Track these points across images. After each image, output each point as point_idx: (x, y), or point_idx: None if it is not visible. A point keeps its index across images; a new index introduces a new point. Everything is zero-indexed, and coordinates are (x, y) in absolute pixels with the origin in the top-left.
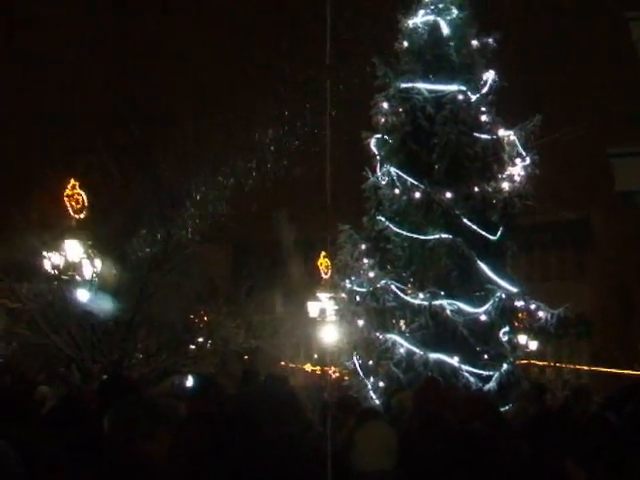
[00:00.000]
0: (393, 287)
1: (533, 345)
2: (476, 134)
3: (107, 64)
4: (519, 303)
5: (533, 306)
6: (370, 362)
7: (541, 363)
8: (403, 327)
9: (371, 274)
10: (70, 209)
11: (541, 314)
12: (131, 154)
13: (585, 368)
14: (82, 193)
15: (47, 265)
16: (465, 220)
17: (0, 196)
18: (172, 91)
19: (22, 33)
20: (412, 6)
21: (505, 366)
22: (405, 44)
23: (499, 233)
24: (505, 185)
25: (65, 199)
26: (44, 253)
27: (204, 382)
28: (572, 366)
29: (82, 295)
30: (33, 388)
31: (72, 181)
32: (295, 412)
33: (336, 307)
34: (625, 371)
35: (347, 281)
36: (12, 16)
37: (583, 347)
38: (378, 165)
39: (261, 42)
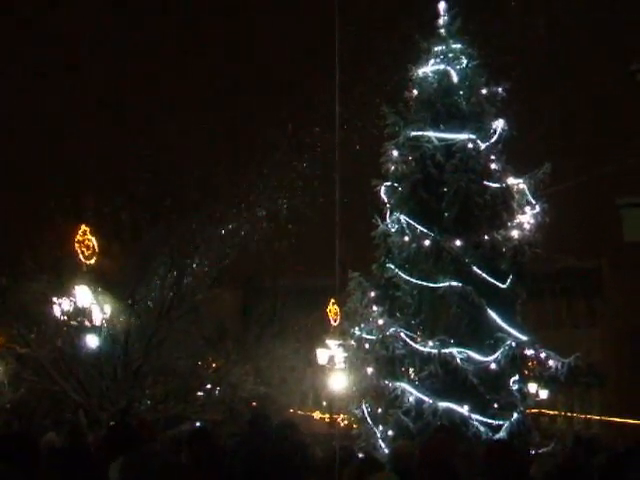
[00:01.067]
0: (402, 335)
1: (544, 394)
2: (486, 182)
3: (119, 115)
4: (529, 351)
5: (543, 355)
6: (379, 410)
7: (552, 412)
8: (412, 375)
9: (380, 321)
10: (80, 255)
11: (551, 363)
12: (142, 201)
13: (596, 418)
14: (92, 239)
15: (57, 311)
16: (475, 268)
17: (11, 242)
18: (184, 141)
19: (38, 81)
20: (422, 55)
21: (515, 415)
22: (415, 93)
23: (509, 281)
24: (515, 233)
25: (76, 245)
26: (54, 299)
27: (200, 432)
28: (583, 416)
29: (91, 341)
30: (40, 434)
31: (83, 227)
32: (303, 459)
33: (345, 354)
34: (637, 421)
35: (356, 328)
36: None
37: (594, 396)
38: (388, 213)
39: (272, 88)
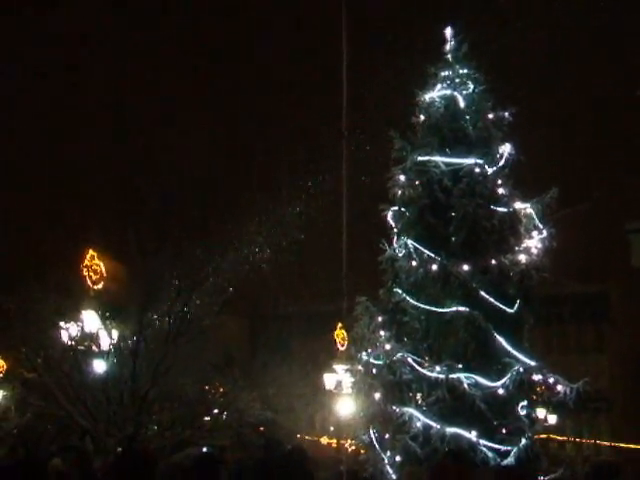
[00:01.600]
0: (410, 360)
1: (552, 419)
2: (493, 207)
3: (127, 138)
4: (537, 377)
5: (551, 380)
6: (386, 436)
7: (560, 438)
8: (420, 400)
9: (388, 346)
10: (88, 279)
11: (560, 388)
12: (150, 226)
13: (605, 443)
14: (100, 263)
15: (64, 335)
16: (482, 293)
17: (19, 267)
18: (190, 166)
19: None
20: (429, 80)
21: (523, 441)
22: (422, 117)
23: (516, 306)
24: (522, 258)
25: (83, 269)
26: (61, 323)
27: (207, 457)
28: (592, 441)
29: (98, 366)
30: (47, 460)
31: (90, 251)
32: None
33: (352, 379)
34: None
35: (363, 353)
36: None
37: (603, 422)
38: (395, 237)
39: (279, 112)
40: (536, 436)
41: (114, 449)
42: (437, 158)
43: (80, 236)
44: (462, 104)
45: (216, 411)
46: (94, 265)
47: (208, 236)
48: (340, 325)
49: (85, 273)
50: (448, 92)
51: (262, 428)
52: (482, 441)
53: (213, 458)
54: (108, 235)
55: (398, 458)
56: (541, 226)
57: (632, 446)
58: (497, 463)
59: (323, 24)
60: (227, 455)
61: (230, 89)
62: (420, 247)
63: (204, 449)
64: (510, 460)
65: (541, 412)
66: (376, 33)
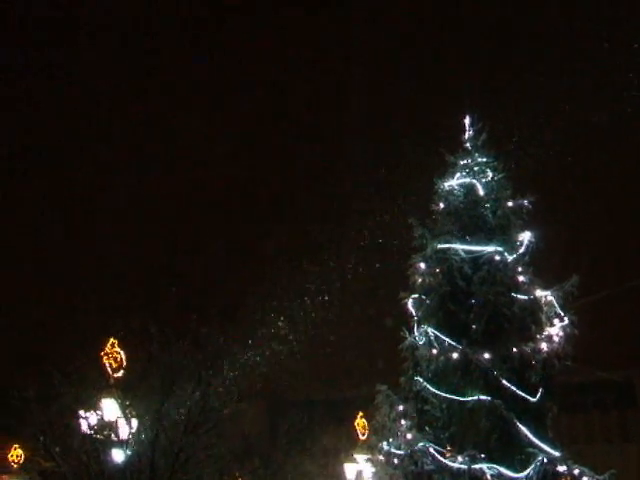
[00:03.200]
0: (431, 450)
1: None
2: (513, 294)
3: (147, 228)
4: (562, 468)
5: (577, 471)
6: None
7: None
8: None
9: (409, 436)
10: (108, 367)
11: None
12: (170, 315)
13: None
14: (120, 351)
15: (83, 425)
16: (504, 381)
17: (39, 354)
18: (211, 255)
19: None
20: (448, 169)
21: None
22: (441, 205)
23: (539, 394)
24: (544, 345)
25: (103, 357)
26: (80, 412)
27: None
28: None
29: (117, 456)
30: None
31: (111, 340)
32: None
33: (373, 469)
34: None
35: (384, 443)
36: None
37: None
38: (415, 325)
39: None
40: None
41: None
42: (457, 246)
43: (100, 324)
44: (481, 192)
45: None
46: (114, 353)
47: (228, 325)
48: (361, 414)
49: (105, 361)
50: (467, 180)
51: None
52: None
53: None
54: (128, 323)
55: None
56: (562, 313)
57: None
58: None
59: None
60: None
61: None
62: (441, 335)
63: None
64: None
65: None
66: (395, 121)
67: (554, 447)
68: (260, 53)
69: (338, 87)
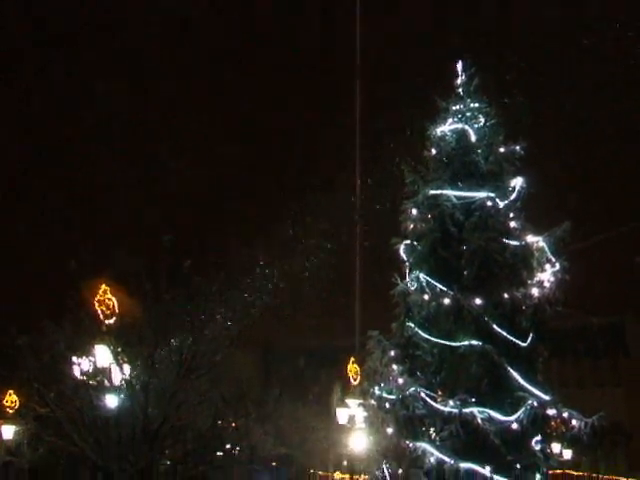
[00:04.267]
0: (423, 394)
1: (567, 454)
2: (505, 240)
3: (140, 175)
4: (552, 411)
5: (566, 414)
6: (400, 471)
7: (576, 473)
8: (433, 435)
9: (400, 381)
10: (100, 314)
11: (575, 422)
12: (162, 262)
13: (622, 479)
14: (113, 298)
15: (76, 371)
16: (495, 326)
17: (32, 302)
18: (203, 206)
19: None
20: (440, 115)
21: (538, 476)
22: (433, 152)
23: (530, 339)
24: (535, 291)
25: (96, 304)
26: (74, 359)
27: None
28: (609, 477)
29: (110, 401)
30: None
31: (103, 287)
32: None
33: (365, 414)
34: None
35: (376, 388)
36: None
37: (620, 456)
38: (407, 271)
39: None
40: (551, 471)
41: None
42: (449, 192)
43: (93, 272)
44: (473, 138)
45: (229, 446)
46: (106, 300)
47: (221, 271)
48: (353, 360)
49: (97, 308)
50: (459, 126)
51: (274, 463)
52: (496, 476)
53: None
54: (121, 271)
55: None
56: (554, 259)
57: None
58: None
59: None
60: None
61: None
62: (432, 281)
63: None
64: None
65: (556, 447)
66: (389, 68)
67: (544, 391)
68: None
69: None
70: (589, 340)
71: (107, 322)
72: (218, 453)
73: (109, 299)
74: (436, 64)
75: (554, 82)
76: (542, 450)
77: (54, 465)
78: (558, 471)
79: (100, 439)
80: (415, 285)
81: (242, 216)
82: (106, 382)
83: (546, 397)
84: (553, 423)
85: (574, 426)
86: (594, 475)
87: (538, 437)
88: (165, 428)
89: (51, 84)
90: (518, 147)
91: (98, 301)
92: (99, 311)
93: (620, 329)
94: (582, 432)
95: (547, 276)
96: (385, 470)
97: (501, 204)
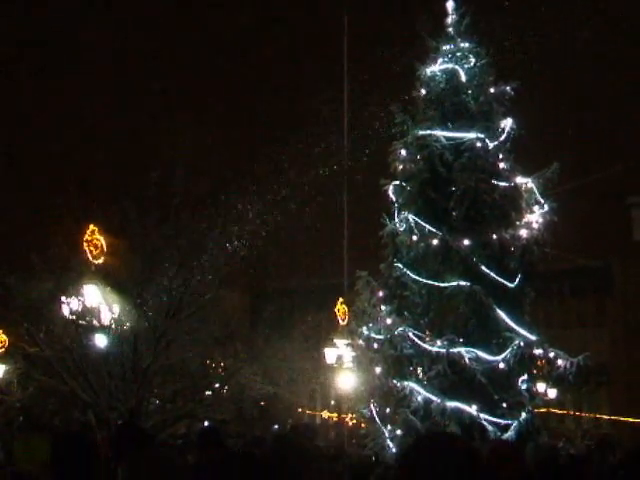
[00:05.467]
0: (410, 334)
1: (552, 393)
2: (494, 181)
3: (130, 112)
4: (538, 351)
5: (552, 354)
6: (387, 410)
7: (560, 412)
8: (420, 375)
9: (388, 321)
10: (89, 254)
11: (560, 362)
12: (151, 200)
13: (605, 417)
14: (101, 238)
15: (65, 310)
16: (483, 267)
17: (20, 241)
18: (192, 141)
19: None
20: (430, 55)
21: (524, 415)
22: (423, 92)
23: (517, 280)
24: (523, 232)
25: (84, 244)
26: (62, 298)
27: (209, 432)
28: (592, 415)
29: (100, 341)
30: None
31: (91, 226)
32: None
33: (353, 354)
34: None
35: (364, 328)
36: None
37: (603, 395)
38: (396, 212)
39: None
40: (536, 410)
41: (116, 422)
42: (438, 132)
43: (81, 211)
44: (463, 78)
45: (217, 385)
46: (95, 240)
47: (209, 209)
48: (341, 300)
49: (86, 248)
50: (450, 66)
51: (263, 403)
52: (482, 415)
53: (217, 432)
54: (109, 210)
55: (399, 432)
56: (542, 201)
57: (631, 420)
58: (498, 437)
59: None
60: (229, 429)
61: (231, 73)
62: (421, 221)
63: (205, 423)
64: (510, 434)
65: (541, 386)
66: (377, 6)
67: (531, 331)
68: None
69: None
70: (575, 282)
71: (96, 262)
72: (207, 393)
73: (97, 239)
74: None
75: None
76: (528, 389)
77: (44, 404)
78: (543, 410)
79: (90, 378)
80: (404, 226)
81: (232, 157)
82: (95, 322)
83: (532, 337)
84: (539, 363)
85: (559, 366)
86: (578, 414)
87: (524, 376)
88: (154, 367)
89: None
90: (509, 87)
91: (86, 241)
92: (87, 251)
93: (607, 271)
94: (567, 372)
95: (535, 217)
96: (372, 409)
97: (491, 145)
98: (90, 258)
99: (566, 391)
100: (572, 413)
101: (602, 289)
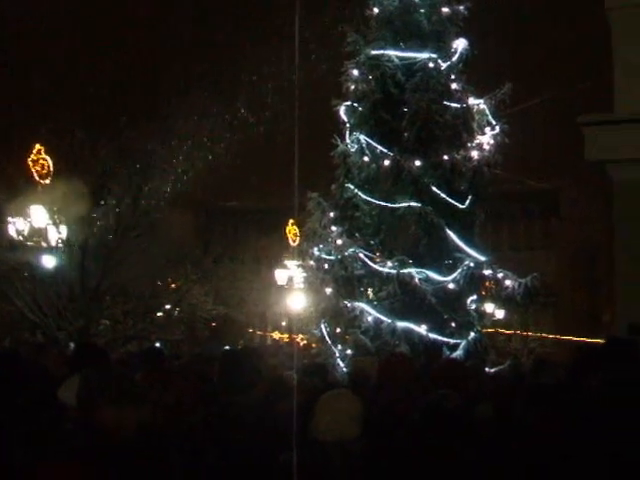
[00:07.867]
0: (361, 255)
1: (500, 314)
2: (446, 102)
3: (75, 26)
4: (487, 272)
5: (500, 275)
6: (338, 330)
7: (507, 332)
8: (371, 295)
9: (339, 242)
10: (35, 174)
11: (508, 283)
12: (98, 119)
13: (550, 337)
14: (47, 158)
15: (12, 231)
16: (434, 188)
17: None
18: (141, 57)
19: None
20: None
21: (472, 334)
22: (375, 11)
23: (468, 202)
24: (474, 154)
25: (30, 164)
26: (9, 218)
27: (153, 352)
28: (538, 335)
29: (47, 261)
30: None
31: (37, 146)
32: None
33: (304, 275)
34: (590, 340)
35: (315, 249)
36: None
37: (549, 316)
38: (347, 132)
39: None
40: (484, 330)
41: (65, 343)
42: (391, 52)
43: (26, 129)
44: None
45: (169, 306)
46: (41, 160)
47: (156, 126)
48: (292, 221)
49: (32, 168)
50: None
51: (214, 323)
52: (432, 335)
53: (161, 351)
54: (55, 128)
55: (349, 352)
56: (494, 122)
57: (574, 338)
58: (447, 355)
59: None
60: (181, 349)
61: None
62: (372, 142)
63: (157, 344)
64: (459, 353)
65: (490, 306)
66: None
67: (480, 252)
68: None
69: None
70: (524, 204)
71: (42, 182)
72: (158, 313)
73: (44, 159)
74: None
75: None
76: (477, 309)
77: None
78: (491, 329)
79: (38, 298)
80: (355, 147)
81: (184, 72)
82: (43, 243)
83: (482, 258)
84: (488, 284)
85: (508, 286)
86: (524, 333)
87: (473, 297)
88: (103, 286)
89: None
90: (462, 7)
91: (32, 161)
92: (34, 171)
93: (555, 194)
94: (515, 292)
95: (487, 139)
96: (323, 329)
97: (443, 65)
98: (37, 178)
99: (514, 311)
100: (519, 333)
101: (551, 212)
